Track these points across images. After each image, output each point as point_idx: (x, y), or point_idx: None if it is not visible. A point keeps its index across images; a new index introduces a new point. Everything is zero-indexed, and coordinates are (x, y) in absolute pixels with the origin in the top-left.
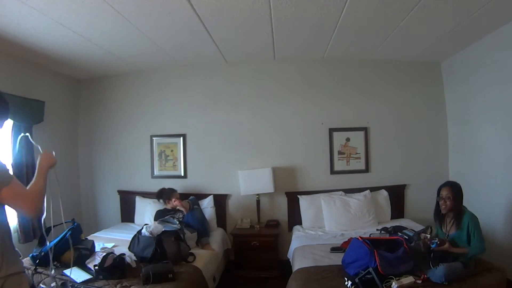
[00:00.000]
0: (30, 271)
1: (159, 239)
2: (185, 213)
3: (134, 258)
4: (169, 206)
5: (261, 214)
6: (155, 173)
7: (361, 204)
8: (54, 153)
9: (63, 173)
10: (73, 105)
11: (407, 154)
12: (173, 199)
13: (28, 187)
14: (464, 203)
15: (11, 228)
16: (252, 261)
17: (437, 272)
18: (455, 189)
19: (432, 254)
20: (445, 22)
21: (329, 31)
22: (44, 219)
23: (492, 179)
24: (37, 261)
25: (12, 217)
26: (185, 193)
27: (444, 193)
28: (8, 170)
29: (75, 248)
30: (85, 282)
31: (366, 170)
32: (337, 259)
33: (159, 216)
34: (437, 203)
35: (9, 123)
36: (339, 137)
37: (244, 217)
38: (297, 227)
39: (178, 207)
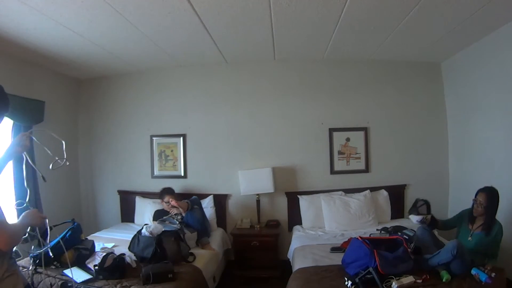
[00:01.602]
0: (30, 272)
1: (159, 239)
2: (183, 214)
3: (134, 258)
4: (165, 207)
5: (261, 214)
6: (155, 173)
7: (361, 204)
8: (46, 220)
9: (63, 173)
10: (73, 105)
11: (407, 154)
12: (167, 199)
13: (8, 224)
14: (464, 204)
15: None
16: (252, 261)
17: (450, 245)
18: (489, 198)
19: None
20: (445, 22)
21: (329, 31)
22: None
23: (491, 179)
24: (37, 261)
25: (11, 217)
26: (185, 193)
27: (479, 198)
28: None
29: (75, 248)
30: (85, 282)
31: (366, 170)
32: (337, 259)
33: (158, 216)
34: (473, 204)
35: (9, 123)
36: (339, 137)
37: (244, 217)
38: (297, 227)
39: (173, 207)
